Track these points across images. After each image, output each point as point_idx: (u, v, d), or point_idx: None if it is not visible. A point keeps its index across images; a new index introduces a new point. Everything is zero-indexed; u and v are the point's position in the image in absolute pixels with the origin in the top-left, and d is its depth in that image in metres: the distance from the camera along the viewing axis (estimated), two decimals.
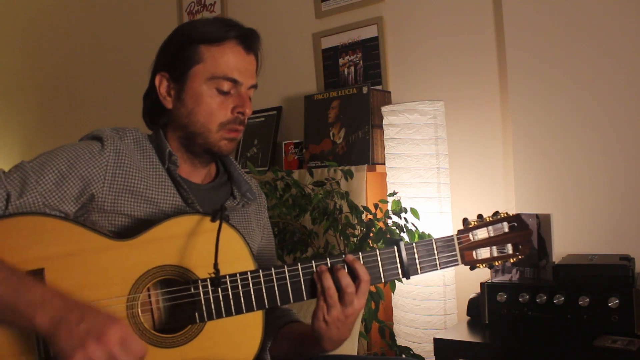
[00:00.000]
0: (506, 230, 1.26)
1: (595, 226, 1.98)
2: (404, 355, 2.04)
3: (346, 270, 1.17)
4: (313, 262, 1.18)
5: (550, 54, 2.08)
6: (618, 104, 1.96)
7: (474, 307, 1.86)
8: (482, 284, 1.78)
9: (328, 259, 1.18)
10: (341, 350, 1.59)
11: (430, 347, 1.77)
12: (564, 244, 1.96)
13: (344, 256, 1.19)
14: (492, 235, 1.26)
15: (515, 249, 1.26)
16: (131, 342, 1.00)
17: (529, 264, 1.83)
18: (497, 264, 1.26)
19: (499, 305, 1.74)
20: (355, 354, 1.79)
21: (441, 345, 1.70)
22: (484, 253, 1.25)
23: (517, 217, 1.27)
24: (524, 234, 1.26)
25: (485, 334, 1.74)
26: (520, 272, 1.83)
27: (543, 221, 1.83)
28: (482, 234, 1.26)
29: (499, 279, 1.82)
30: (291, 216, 2.19)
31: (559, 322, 1.66)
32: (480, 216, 1.28)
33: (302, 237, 2.21)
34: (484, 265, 1.26)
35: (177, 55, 1.28)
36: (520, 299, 1.71)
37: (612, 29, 1.97)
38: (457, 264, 1.24)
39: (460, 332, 1.78)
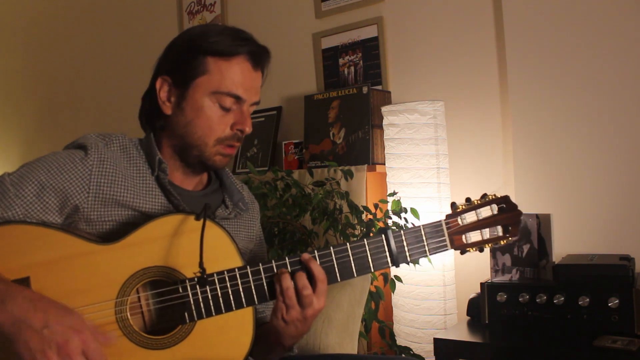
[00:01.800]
0: (495, 212, 1.24)
1: (595, 226, 1.98)
2: (404, 355, 2.04)
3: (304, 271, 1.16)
4: (273, 262, 1.16)
5: (550, 54, 2.07)
6: (618, 103, 1.96)
7: (474, 307, 1.86)
8: (482, 284, 1.78)
9: (287, 259, 1.17)
10: (341, 350, 1.60)
11: (430, 347, 1.77)
12: (564, 244, 1.96)
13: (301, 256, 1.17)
14: (481, 218, 1.24)
15: (505, 230, 1.24)
16: (93, 354, 0.97)
17: (529, 264, 1.82)
18: (487, 246, 1.24)
19: (499, 305, 1.74)
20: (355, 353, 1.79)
21: (441, 345, 1.70)
22: (473, 236, 1.24)
23: (505, 199, 1.25)
24: (513, 215, 1.24)
25: (485, 334, 1.73)
26: (520, 272, 1.83)
27: (543, 221, 1.83)
28: (470, 217, 1.24)
29: (499, 279, 1.82)
30: (291, 216, 2.18)
31: (559, 322, 1.65)
32: (468, 199, 1.25)
33: (302, 237, 2.20)
34: (474, 248, 1.24)
35: (183, 62, 1.24)
36: (520, 299, 1.71)
37: (612, 28, 1.97)
38: (447, 249, 1.23)
39: (460, 332, 1.78)
